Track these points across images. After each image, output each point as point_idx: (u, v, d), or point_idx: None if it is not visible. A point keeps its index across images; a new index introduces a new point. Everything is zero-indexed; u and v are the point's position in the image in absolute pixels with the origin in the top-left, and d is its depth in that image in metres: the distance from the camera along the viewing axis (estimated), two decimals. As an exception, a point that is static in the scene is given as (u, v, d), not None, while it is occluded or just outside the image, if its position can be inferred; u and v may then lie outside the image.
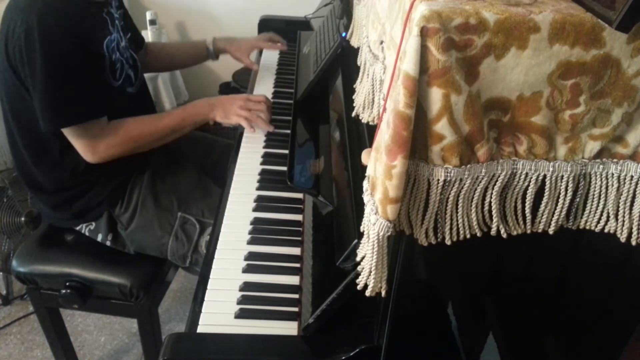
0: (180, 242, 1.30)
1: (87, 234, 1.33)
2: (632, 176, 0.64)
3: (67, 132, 1.17)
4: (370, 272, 0.63)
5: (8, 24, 1.09)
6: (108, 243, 1.32)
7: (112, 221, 1.32)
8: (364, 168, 0.66)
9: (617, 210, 0.65)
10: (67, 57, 1.10)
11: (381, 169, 0.58)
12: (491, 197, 0.62)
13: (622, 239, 0.67)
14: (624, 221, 0.66)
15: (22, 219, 1.82)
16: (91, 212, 1.31)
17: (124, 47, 1.33)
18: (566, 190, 0.63)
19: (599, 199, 0.65)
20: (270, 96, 1.59)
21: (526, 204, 0.63)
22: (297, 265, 1.02)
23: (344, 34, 1.19)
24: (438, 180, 0.59)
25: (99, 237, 1.32)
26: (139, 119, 1.27)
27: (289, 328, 0.90)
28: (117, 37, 1.28)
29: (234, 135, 1.45)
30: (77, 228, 1.34)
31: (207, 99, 1.35)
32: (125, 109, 1.30)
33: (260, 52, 1.89)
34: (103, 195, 1.30)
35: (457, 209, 0.62)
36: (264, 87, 1.65)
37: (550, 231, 0.66)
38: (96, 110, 1.18)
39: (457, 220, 0.63)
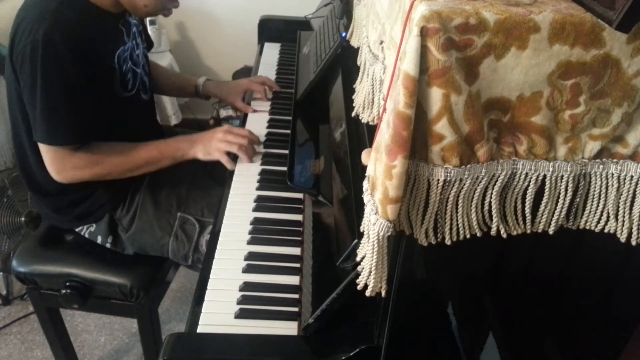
0: (181, 242, 1.30)
1: (87, 235, 1.33)
2: (632, 176, 0.64)
3: (40, 147, 1.17)
4: (370, 272, 0.63)
5: (17, 29, 1.09)
6: (108, 245, 1.32)
7: (113, 224, 1.32)
8: (364, 168, 0.66)
9: (617, 210, 0.65)
10: (66, 78, 1.09)
11: (381, 169, 0.58)
12: (491, 197, 0.62)
13: (622, 239, 0.67)
14: (624, 221, 0.66)
15: (22, 219, 1.82)
16: (93, 215, 1.31)
17: (140, 54, 1.32)
18: (566, 190, 0.63)
19: (599, 199, 0.65)
20: (270, 96, 1.59)
21: (526, 204, 0.63)
22: (297, 265, 1.02)
23: (344, 34, 1.19)
24: (438, 180, 0.59)
25: (99, 239, 1.32)
26: (113, 147, 1.23)
27: (289, 328, 0.90)
28: (131, 46, 1.27)
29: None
30: (77, 229, 1.34)
31: (189, 135, 1.31)
32: (136, 117, 1.30)
33: (261, 52, 1.89)
34: (105, 198, 1.30)
35: (457, 209, 0.62)
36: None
37: (550, 231, 0.66)
38: (78, 137, 1.16)
39: (457, 220, 0.63)
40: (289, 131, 1.32)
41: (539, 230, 0.66)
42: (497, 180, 0.61)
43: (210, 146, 1.28)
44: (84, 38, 1.12)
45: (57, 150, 1.17)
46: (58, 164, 1.19)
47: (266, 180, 1.25)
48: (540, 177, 0.62)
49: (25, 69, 1.08)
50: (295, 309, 0.94)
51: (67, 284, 1.27)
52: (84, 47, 1.11)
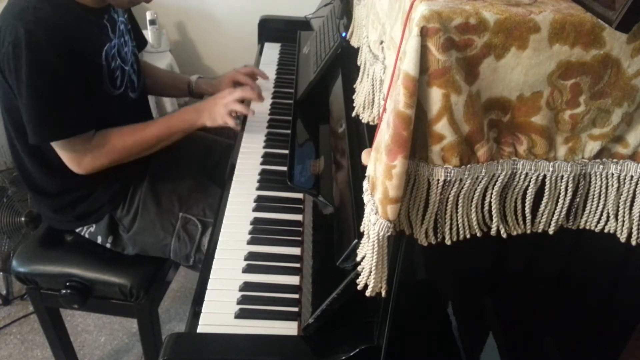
0: (183, 243, 1.30)
1: (87, 236, 1.33)
2: (632, 176, 0.64)
3: (54, 145, 1.17)
4: (370, 272, 0.63)
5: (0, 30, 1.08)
6: (108, 245, 1.32)
7: (114, 224, 1.32)
8: (364, 168, 0.66)
9: (617, 210, 0.65)
10: (53, 72, 1.08)
11: (381, 169, 0.58)
12: (491, 197, 0.62)
13: (622, 239, 0.67)
14: (624, 221, 0.66)
15: (22, 219, 1.82)
16: (93, 215, 1.31)
17: (128, 52, 1.31)
18: (566, 190, 0.63)
19: (599, 199, 0.65)
20: (270, 96, 1.59)
21: (526, 204, 0.63)
22: (297, 265, 1.02)
23: (344, 34, 1.19)
24: (438, 180, 0.59)
25: (99, 240, 1.32)
26: (124, 130, 1.24)
27: (289, 328, 0.90)
28: (117, 43, 1.26)
29: (235, 135, 1.45)
30: (77, 230, 1.34)
31: (194, 105, 1.31)
32: (126, 116, 1.29)
33: (261, 52, 1.89)
34: (105, 198, 1.30)
35: (457, 209, 0.62)
36: (264, 87, 1.65)
37: (550, 231, 0.66)
38: (81, 126, 1.16)
39: (457, 220, 0.63)
40: (289, 131, 1.32)
41: (539, 230, 0.66)
42: (497, 180, 0.61)
43: (215, 112, 1.28)
44: (67, 34, 1.10)
45: (72, 143, 1.16)
46: (77, 158, 1.19)
47: (266, 180, 1.25)
48: (540, 177, 0.62)
49: (11, 70, 1.07)
50: (295, 309, 0.94)
51: (67, 284, 1.27)
52: (68, 43, 1.10)
